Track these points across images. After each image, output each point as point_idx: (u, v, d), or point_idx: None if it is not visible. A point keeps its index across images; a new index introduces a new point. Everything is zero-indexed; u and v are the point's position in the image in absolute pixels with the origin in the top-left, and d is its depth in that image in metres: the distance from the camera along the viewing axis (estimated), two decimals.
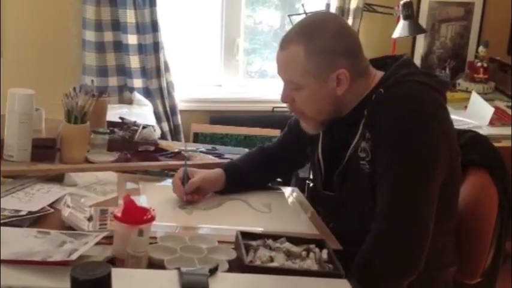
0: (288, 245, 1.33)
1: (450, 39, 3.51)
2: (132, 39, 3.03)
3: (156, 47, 3.06)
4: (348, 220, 1.54)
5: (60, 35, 3.08)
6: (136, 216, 1.28)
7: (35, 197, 1.50)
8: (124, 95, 3.16)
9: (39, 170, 1.63)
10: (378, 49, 3.28)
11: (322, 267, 1.27)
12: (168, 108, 3.17)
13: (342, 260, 1.31)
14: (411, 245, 1.35)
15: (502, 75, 3.44)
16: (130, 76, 3.11)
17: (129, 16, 2.98)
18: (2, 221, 1.34)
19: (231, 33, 3.35)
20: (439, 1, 3.44)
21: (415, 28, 3.01)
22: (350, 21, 3.17)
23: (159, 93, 3.12)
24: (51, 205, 1.49)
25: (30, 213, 1.41)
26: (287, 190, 1.83)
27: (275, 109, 3.25)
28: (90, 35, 3.01)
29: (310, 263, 1.27)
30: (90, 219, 1.44)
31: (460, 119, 2.96)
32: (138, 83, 3.11)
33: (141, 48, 3.05)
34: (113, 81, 3.12)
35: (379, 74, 1.51)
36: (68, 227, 1.37)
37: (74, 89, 1.74)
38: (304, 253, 1.31)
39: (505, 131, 2.91)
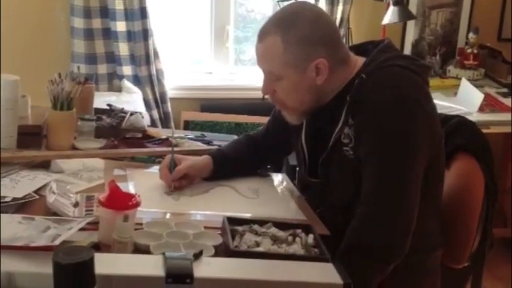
0: (274, 230, 1.32)
1: (441, 25, 3.51)
2: (120, 26, 3.01)
3: (146, 34, 3.04)
4: (333, 206, 1.54)
5: (48, 22, 3.06)
6: (121, 201, 1.28)
7: (21, 184, 1.49)
8: (113, 82, 3.15)
9: (25, 157, 1.62)
10: (367, 36, 3.28)
11: (308, 252, 1.28)
12: (158, 96, 3.15)
13: (329, 245, 1.31)
14: (395, 229, 1.36)
15: (492, 61, 3.44)
16: (120, 63, 3.09)
17: (118, 2, 2.96)
18: None
19: (221, 21, 3.33)
20: None
21: (405, 14, 3.00)
22: (340, 8, 3.16)
23: (148, 81, 3.11)
24: (36, 192, 1.48)
25: (15, 199, 1.41)
26: (275, 176, 1.83)
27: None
28: (78, 22, 2.99)
29: (296, 248, 1.27)
30: (76, 205, 1.44)
31: (450, 106, 2.97)
32: (127, 70, 3.10)
33: (130, 35, 3.03)
34: (102, 68, 3.10)
35: (360, 60, 1.50)
36: (53, 213, 1.37)
37: (59, 75, 1.73)
38: (290, 238, 1.31)
39: (494, 117, 2.92)
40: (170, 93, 3.21)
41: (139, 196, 1.32)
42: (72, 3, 2.95)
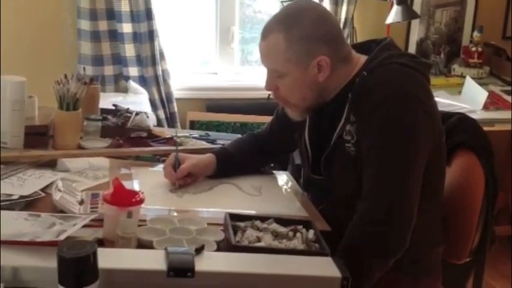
0: (275, 226, 1.35)
1: (445, 24, 3.51)
2: (127, 27, 3.04)
3: (151, 35, 3.07)
4: (336, 203, 1.56)
5: (55, 24, 3.09)
6: (125, 198, 1.30)
7: (27, 182, 1.53)
8: (120, 83, 3.18)
9: (32, 156, 1.65)
10: (372, 35, 3.28)
11: (308, 247, 1.30)
12: (164, 96, 3.18)
13: (331, 242, 1.33)
14: (395, 225, 1.37)
15: (497, 59, 3.44)
16: (126, 65, 3.12)
17: (124, 4, 2.99)
18: None
19: (226, 22, 3.36)
20: None
21: (409, 13, 3.01)
22: (344, 7, 3.17)
23: (154, 82, 3.14)
24: (43, 190, 1.51)
25: (22, 197, 1.44)
26: (278, 174, 1.85)
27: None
28: (85, 24, 3.02)
29: (296, 243, 1.29)
30: (81, 202, 1.47)
31: (454, 104, 2.98)
32: (133, 71, 3.13)
33: (136, 37, 3.06)
34: (109, 70, 3.13)
35: (362, 58, 1.53)
36: (59, 211, 1.39)
37: (65, 76, 1.76)
38: (291, 233, 1.33)
39: (498, 115, 2.93)
40: (176, 93, 3.24)
41: (142, 193, 1.34)
42: (78, 6, 2.99)
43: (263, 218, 1.39)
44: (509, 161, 3.33)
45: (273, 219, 1.38)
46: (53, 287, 0.98)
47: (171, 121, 3.20)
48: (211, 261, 1.13)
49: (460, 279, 1.74)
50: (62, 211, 1.39)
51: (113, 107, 2.15)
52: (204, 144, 1.96)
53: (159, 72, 3.13)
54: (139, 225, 1.33)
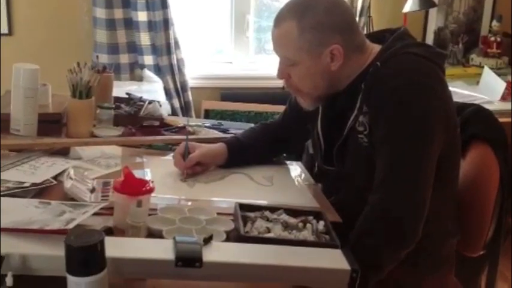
0: (285, 217, 1.34)
1: (463, 13, 3.47)
2: (142, 16, 3.05)
3: (166, 23, 3.07)
4: (347, 194, 1.55)
5: (70, 12, 3.11)
6: (135, 187, 1.30)
7: (39, 170, 1.53)
8: (135, 72, 3.19)
9: (44, 143, 1.66)
10: (389, 24, 3.23)
11: (318, 238, 1.29)
12: (178, 85, 3.18)
13: (342, 234, 1.32)
14: (407, 216, 1.36)
15: None
16: (141, 53, 3.13)
17: None
18: (5, 192, 1.37)
19: (241, 10, 3.34)
20: None
21: (426, 2, 2.97)
22: None
23: (169, 70, 3.14)
24: (54, 177, 1.52)
25: (33, 184, 1.44)
26: (290, 165, 1.84)
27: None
28: (100, 12, 3.03)
29: (306, 234, 1.29)
30: (92, 190, 1.47)
31: (472, 94, 2.94)
32: (148, 60, 3.13)
33: (151, 25, 3.07)
34: (124, 58, 3.14)
35: (376, 48, 1.51)
36: (70, 199, 1.40)
37: (78, 64, 1.76)
38: (300, 224, 1.32)
39: None
40: (191, 82, 3.24)
41: (152, 182, 1.34)
42: None
43: (273, 209, 1.38)
44: None
45: (283, 210, 1.37)
46: (62, 275, 0.98)
47: (185, 110, 3.21)
48: (220, 252, 1.12)
49: (474, 271, 1.72)
50: (72, 199, 1.40)
51: (127, 96, 2.15)
52: (216, 134, 1.96)
53: (174, 61, 3.13)
54: (150, 214, 1.33)
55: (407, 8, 2.98)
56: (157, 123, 1.95)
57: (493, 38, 3.33)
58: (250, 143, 1.77)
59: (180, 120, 2.04)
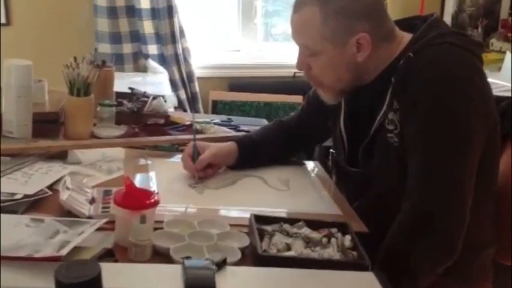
0: (306, 231, 1.20)
1: None
2: (144, 3, 2.93)
3: (170, 11, 2.94)
4: (374, 199, 1.40)
5: (70, 0, 2.97)
6: (137, 200, 1.16)
7: (33, 178, 1.39)
8: (139, 62, 3.06)
9: (38, 147, 1.51)
10: (404, 8, 3.11)
11: (344, 255, 1.14)
12: (184, 76, 3.05)
13: (369, 244, 1.17)
14: (448, 226, 1.22)
15: None
16: (145, 42, 3.00)
17: None
18: None
19: None
20: None
21: None
22: None
23: (174, 60, 3.01)
24: (50, 186, 1.37)
25: (26, 196, 1.30)
26: (307, 165, 1.70)
27: (296, 74, 3.10)
28: (101, 0, 2.89)
29: (331, 251, 1.14)
30: (92, 201, 1.33)
31: (494, 82, 2.77)
32: (152, 49, 3.01)
33: (154, 13, 2.94)
34: (127, 48, 3.02)
35: (406, 37, 1.36)
36: (67, 211, 1.26)
37: (75, 58, 1.61)
38: (325, 240, 1.17)
39: None
40: (197, 72, 3.11)
41: (158, 193, 1.20)
42: None
43: (292, 220, 1.24)
44: None
45: (303, 222, 1.22)
46: None
47: (192, 101, 3.07)
48: (235, 278, 0.98)
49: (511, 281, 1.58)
50: (69, 212, 1.26)
51: (129, 90, 2.01)
52: (226, 132, 1.81)
53: (180, 51, 3.00)
54: (156, 228, 1.19)
55: None
56: (162, 121, 1.81)
57: None
58: (264, 141, 1.63)
59: (187, 117, 1.90)
